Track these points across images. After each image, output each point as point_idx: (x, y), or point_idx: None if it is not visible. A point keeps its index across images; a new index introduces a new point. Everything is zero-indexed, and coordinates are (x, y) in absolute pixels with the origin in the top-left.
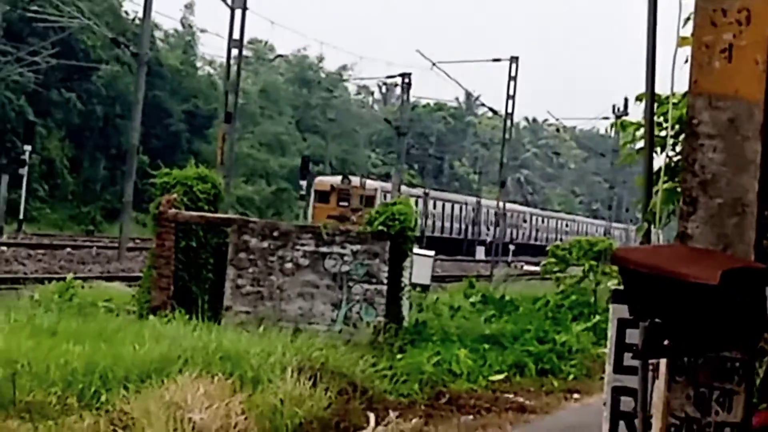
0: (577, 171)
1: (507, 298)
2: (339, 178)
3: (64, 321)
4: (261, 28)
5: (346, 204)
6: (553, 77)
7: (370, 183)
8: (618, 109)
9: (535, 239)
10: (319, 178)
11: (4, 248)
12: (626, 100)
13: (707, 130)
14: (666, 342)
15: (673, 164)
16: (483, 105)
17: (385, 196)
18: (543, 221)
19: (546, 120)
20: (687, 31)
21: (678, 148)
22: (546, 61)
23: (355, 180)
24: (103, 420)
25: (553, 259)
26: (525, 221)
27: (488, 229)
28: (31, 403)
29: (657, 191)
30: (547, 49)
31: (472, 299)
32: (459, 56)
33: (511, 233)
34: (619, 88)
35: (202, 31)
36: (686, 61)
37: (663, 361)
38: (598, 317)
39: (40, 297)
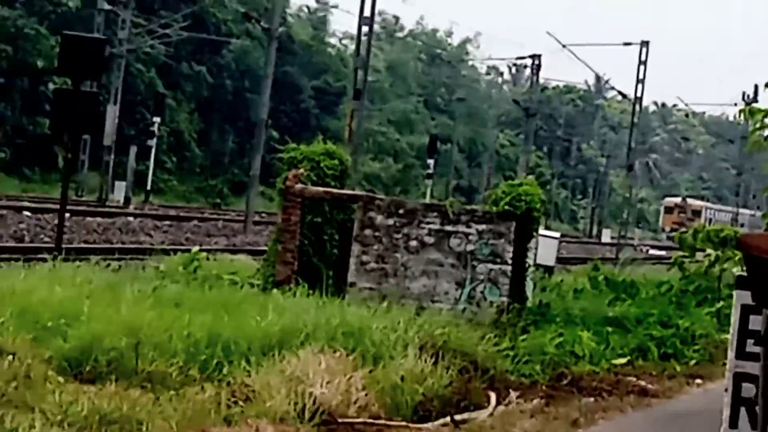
0: (705, 157)
1: (631, 281)
2: (679, 198)
3: (188, 292)
4: (392, 5)
5: (683, 215)
6: (683, 62)
7: (698, 202)
8: (748, 96)
9: None
10: (667, 198)
11: (131, 219)
12: (756, 87)
13: None
14: None
15: None
16: (612, 88)
17: (706, 211)
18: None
19: (675, 105)
20: None
21: None
22: (676, 46)
23: (690, 201)
24: (224, 392)
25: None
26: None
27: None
28: (153, 373)
29: None
30: (678, 33)
31: (596, 282)
32: (589, 39)
33: None
34: (750, 74)
35: (334, 6)
36: None
37: None
38: (722, 303)
39: (165, 268)
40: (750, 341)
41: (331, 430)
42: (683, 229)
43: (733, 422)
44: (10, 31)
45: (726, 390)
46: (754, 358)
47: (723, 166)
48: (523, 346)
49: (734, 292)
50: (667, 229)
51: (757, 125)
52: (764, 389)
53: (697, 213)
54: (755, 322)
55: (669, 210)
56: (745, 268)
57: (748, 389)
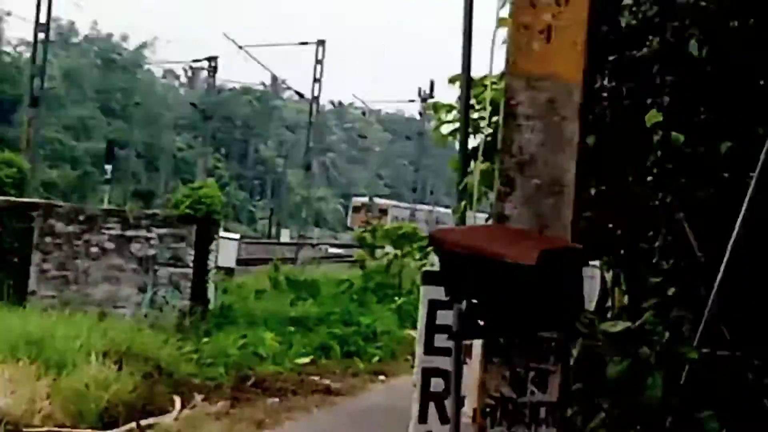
0: (383, 154)
1: (312, 280)
2: (366, 198)
3: None
4: (66, 11)
5: (370, 214)
6: (360, 61)
7: (384, 201)
8: (424, 92)
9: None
10: (355, 198)
11: None
12: (432, 83)
13: (525, 111)
14: (482, 323)
15: (486, 146)
16: (289, 88)
17: (392, 209)
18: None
19: (352, 103)
20: (505, 12)
21: (490, 130)
22: (353, 46)
23: (377, 200)
24: None
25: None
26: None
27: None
28: None
29: (472, 172)
30: (355, 33)
31: (276, 282)
32: (268, 40)
33: None
34: (425, 72)
35: (8, 14)
36: (503, 42)
37: (477, 343)
38: (402, 299)
39: None
40: (438, 336)
41: None
42: (369, 227)
43: (423, 417)
44: None
45: (414, 385)
46: (443, 353)
47: (400, 162)
48: (207, 349)
49: (421, 288)
50: (356, 227)
51: (441, 120)
52: (456, 383)
53: (383, 211)
54: (443, 317)
55: (357, 209)
56: (426, 264)
57: (437, 384)
